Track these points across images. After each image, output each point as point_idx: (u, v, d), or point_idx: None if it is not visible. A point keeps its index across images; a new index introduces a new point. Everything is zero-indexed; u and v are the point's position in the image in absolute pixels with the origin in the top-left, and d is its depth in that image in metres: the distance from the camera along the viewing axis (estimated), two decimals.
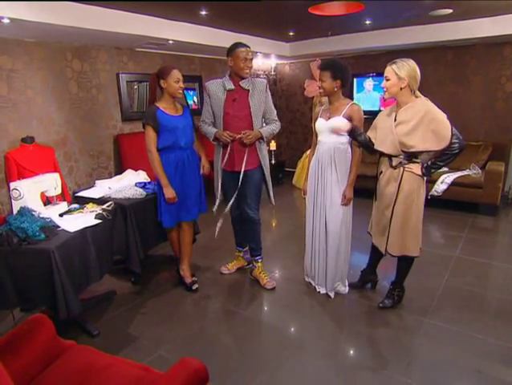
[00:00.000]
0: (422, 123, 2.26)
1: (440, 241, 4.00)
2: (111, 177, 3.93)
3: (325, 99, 2.86)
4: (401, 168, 2.39)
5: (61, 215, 2.56)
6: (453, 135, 2.21)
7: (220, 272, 3.32)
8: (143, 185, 3.19)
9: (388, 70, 2.33)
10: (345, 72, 2.57)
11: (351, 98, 5.93)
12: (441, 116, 2.26)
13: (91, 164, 4.38)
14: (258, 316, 2.74)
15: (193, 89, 5.59)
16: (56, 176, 2.74)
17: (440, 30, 4.61)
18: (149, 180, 3.40)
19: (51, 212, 2.51)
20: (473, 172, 4.71)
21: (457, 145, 2.22)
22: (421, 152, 2.36)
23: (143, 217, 2.98)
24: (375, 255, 2.78)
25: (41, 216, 2.35)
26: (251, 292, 3.03)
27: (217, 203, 3.01)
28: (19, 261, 2.11)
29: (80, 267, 2.30)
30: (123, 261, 2.98)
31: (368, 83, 6.04)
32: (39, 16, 2.98)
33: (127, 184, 3.17)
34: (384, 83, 2.37)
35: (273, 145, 6.48)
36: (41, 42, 3.76)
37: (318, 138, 2.76)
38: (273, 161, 6.40)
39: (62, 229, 2.34)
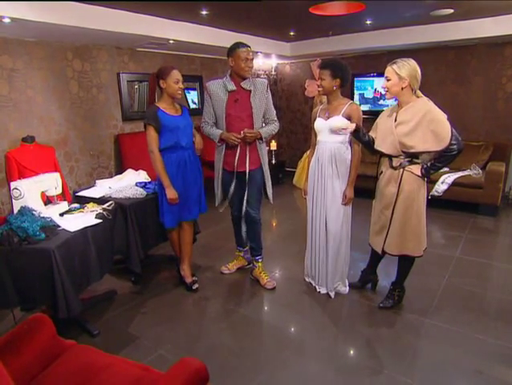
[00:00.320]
0: (422, 124, 2.26)
1: (440, 242, 4.00)
2: (111, 177, 3.92)
3: (325, 99, 2.86)
4: (401, 169, 2.39)
5: (61, 214, 2.56)
6: (452, 136, 2.21)
7: (220, 272, 3.32)
8: (143, 185, 3.18)
9: (389, 70, 2.33)
10: (345, 71, 2.57)
11: (352, 98, 5.93)
12: (441, 117, 2.26)
13: (92, 163, 4.38)
14: (259, 316, 2.74)
15: (194, 88, 5.59)
16: (57, 175, 2.74)
17: (441, 30, 4.61)
18: (150, 179, 3.40)
19: (52, 212, 2.51)
20: (473, 172, 4.71)
21: (455, 146, 2.22)
22: (421, 153, 2.36)
23: (143, 217, 2.98)
24: (376, 255, 2.78)
25: (41, 215, 2.35)
26: (251, 292, 3.03)
27: (217, 203, 3.02)
28: (20, 260, 2.11)
29: (80, 267, 2.30)
30: (124, 261, 2.97)
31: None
32: (40, 16, 2.98)
33: (127, 184, 3.17)
34: (384, 83, 2.37)
35: (273, 145, 6.48)
36: (42, 41, 3.77)
37: (318, 138, 2.75)
38: (273, 161, 6.40)
39: (63, 229, 2.34)
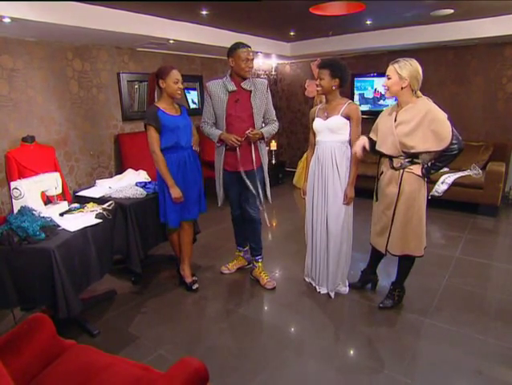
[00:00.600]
0: (422, 124, 2.26)
1: (440, 242, 4.00)
2: (111, 177, 3.93)
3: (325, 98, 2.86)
4: (402, 170, 2.39)
5: (61, 214, 2.56)
6: (453, 136, 2.21)
7: (220, 272, 3.32)
8: (143, 185, 3.19)
9: (390, 69, 2.33)
10: (344, 71, 2.57)
11: (352, 98, 5.93)
12: (442, 116, 2.25)
13: (92, 163, 4.38)
14: (259, 316, 2.74)
15: (194, 88, 5.59)
16: (57, 175, 2.74)
17: (442, 31, 4.61)
18: (150, 179, 3.40)
19: (52, 212, 2.51)
20: (473, 172, 4.71)
21: (456, 146, 2.22)
22: (422, 153, 2.36)
23: (143, 217, 2.98)
24: (376, 255, 2.78)
25: (41, 215, 2.35)
26: (251, 292, 3.03)
27: (219, 203, 3.04)
28: (20, 260, 2.11)
29: (80, 266, 2.30)
30: (124, 261, 2.98)
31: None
32: (41, 15, 2.98)
33: (127, 184, 3.17)
34: (385, 82, 2.38)
35: (273, 145, 6.48)
36: (42, 41, 3.77)
37: (317, 138, 2.75)
38: (273, 161, 6.40)
39: (63, 229, 2.34)
